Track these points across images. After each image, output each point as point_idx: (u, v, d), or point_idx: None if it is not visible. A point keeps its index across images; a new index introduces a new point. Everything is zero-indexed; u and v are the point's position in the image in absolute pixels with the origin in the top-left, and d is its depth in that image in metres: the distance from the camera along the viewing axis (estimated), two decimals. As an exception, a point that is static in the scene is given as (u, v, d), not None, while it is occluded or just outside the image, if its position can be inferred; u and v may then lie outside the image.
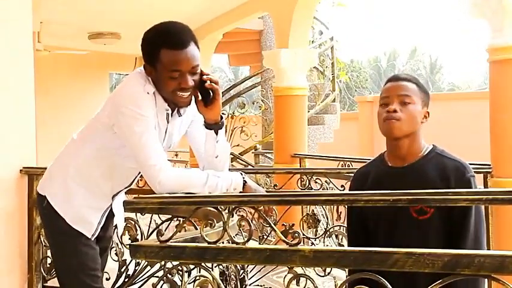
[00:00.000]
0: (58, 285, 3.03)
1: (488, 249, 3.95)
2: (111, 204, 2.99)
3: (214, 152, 2.72)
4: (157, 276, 3.26)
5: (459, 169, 2.40)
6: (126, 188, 3.00)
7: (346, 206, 2.74)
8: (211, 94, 2.64)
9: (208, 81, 2.62)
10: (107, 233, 3.08)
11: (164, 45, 2.53)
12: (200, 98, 2.65)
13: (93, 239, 2.92)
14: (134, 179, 2.98)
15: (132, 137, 2.53)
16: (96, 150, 2.81)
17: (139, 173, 2.92)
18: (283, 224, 3.20)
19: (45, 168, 3.06)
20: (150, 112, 2.55)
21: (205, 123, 2.71)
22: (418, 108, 2.46)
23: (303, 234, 4.79)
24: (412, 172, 2.45)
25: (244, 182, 2.63)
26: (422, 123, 2.49)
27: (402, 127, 2.42)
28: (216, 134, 2.70)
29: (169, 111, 2.69)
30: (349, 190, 2.83)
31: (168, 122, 2.71)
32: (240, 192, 2.61)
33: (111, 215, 3.03)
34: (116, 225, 3.23)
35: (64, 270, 2.97)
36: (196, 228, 3.04)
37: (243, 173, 2.68)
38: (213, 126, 2.69)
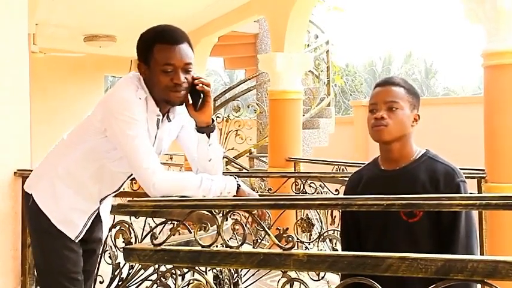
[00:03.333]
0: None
1: (482, 254, 3.96)
2: (99, 208, 2.98)
3: (208, 155, 2.73)
4: (151, 280, 3.25)
5: (449, 173, 2.41)
6: (114, 192, 3.00)
7: (340, 210, 2.75)
8: (202, 97, 2.65)
9: (200, 84, 2.63)
10: (92, 236, 3.05)
11: (158, 41, 2.58)
12: (190, 102, 2.67)
13: (77, 241, 2.91)
14: (122, 184, 2.98)
15: (125, 141, 2.53)
16: (85, 152, 2.81)
17: (128, 177, 2.93)
18: (277, 228, 3.19)
19: (40, 170, 3.05)
20: (142, 117, 2.56)
21: (196, 126, 2.72)
22: (406, 113, 2.46)
23: (297, 239, 4.79)
24: (403, 175, 2.46)
25: (238, 186, 2.64)
26: (412, 127, 2.50)
27: (391, 131, 2.43)
28: (208, 137, 2.71)
29: (160, 117, 2.70)
30: (343, 194, 2.84)
31: (157, 128, 2.71)
32: (234, 196, 2.61)
33: (97, 218, 3.03)
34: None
35: (44, 270, 2.98)
36: (191, 232, 3.04)
37: (237, 177, 2.69)
38: (205, 129, 2.71)
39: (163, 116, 2.72)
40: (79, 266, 2.94)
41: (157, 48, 2.56)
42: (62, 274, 2.88)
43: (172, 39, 2.58)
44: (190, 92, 2.63)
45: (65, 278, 2.88)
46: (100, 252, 3.35)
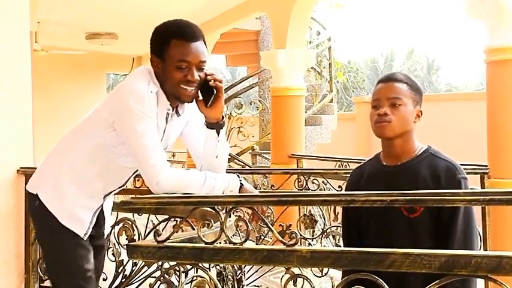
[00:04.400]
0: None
1: (485, 249, 3.96)
2: (102, 205, 2.97)
3: (215, 151, 2.72)
4: (154, 277, 3.25)
5: (450, 170, 2.41)
6: (119, 188, 2.99)
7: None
8: (215, 93, 2.65)
9: (212, 80, 2.63)
10: (100, 231, 3.05)
11: (175, 36, 2.57)
12: (200, 98, 2.66)
13: (85, 238, 2.89)
14: (128, 180, 2.97)
15: (134, 136, 2.53)
16: (92, 147, 2.79)
17: (134, 173, 2.92)
18: (280, 225, 3.20)
19: (43, 168, 3.04)
20: (152, 111, 2.56)
21: (206, 122, 2.71)
22: (409, 109, 2.46)
23: (300, 235, 4.79)
24: (405, 171, 2.47)
25: (241, 185, 2.64)
26: (415, 123, 2.50)
27: (394, 128, 2.43)
28: (218, 133, 2.71)
29: (170, 111, 2.69)
30: (345, 189, 2.84)
31: (166, 123, 2.71)
32: None
33: (101, 215, 3.02)
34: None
35: (57, 271, 2.95)
36: (194, 229, 3.04)
37: (240, 175, 2.69)
38: (215, 125, 2.70)
39: (172, 111, 2.71)
40: (91, 263, 2.92)
41: (174, 43, 2.56)
42: (78, 273, 2.86)
43: (190, 35, 2.58)
44: (201, 88, 2.63)
45: (81, 276, 2.86)
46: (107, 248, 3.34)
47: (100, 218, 3.01)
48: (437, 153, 2.50)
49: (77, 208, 2.85)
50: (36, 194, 2.88)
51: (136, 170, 2.87)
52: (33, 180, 2.99)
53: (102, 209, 3.00)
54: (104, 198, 2.94)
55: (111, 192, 2.97)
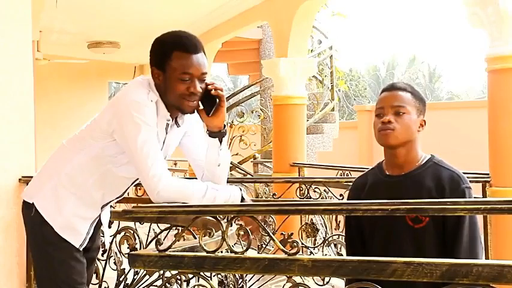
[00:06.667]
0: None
1: (487, 258, 3.96)
2: (100, 215, 2.96)
3: (217, 160, 2.72)
4: (156, 286, 3.26)
5: (454, 179, 2.40)
6: (117, 198, 2.98)
7: (345, 214, 2.75)
8: (217, 101, 2.65)
9: (213, 90, 2.63)
10: (94, 244, 3.04)
11: (177, 48, 2.56)
12: (202, 107, 2.66)
13: (81, 249, 2.87)
14: (126, 190, 2.96)
15: (134, 145, 2.52)
16: (90, 157, 2.77)
17: (132, 183, 2.91)
18: (281, 233, 3.20)
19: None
20: (152, 120, 2.55)
21: (208, 131, 2.71)
22: (413, 118, 2.47)
23: (302, 244, 4.78)
24: (408, 181, 2.46)
25: (242, 199, 2.63)
26: (419, 132, 2.50)
27: (398, 136, 2.43)
28: (220, 142, 2.70)
29: (170, 121, 2.69)
30: (348, 199, 2.84)
31: (166, 133, 2.70)
32: None
33: (99, 225, 3.00)
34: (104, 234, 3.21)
35: (49, 283, 2.90)
36: (195, 238, 3.04)
37: (242, 188, 2.68)
38: (217, 134, 2.70)
39: (172, 121, 2.71)
40: (84, 276, 2.89)
41: (176, 55, 2.55)
42: (68, 285, 2.83)
43: (192, 47, 2.57)
44: (202, 97, 2.63)
45: None
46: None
47: (97, 230, 3.01)
48: (441, 163, 2.49)
49: (75, 218, 2.83)
50: (33, 202, 2.85)
51: (135, 180, 2.87)
52: (30, 188, 2.97)
53: (99, 221, 2.99)
54: (101, 208, 2.94)
55: (109, 202, 2.96)
